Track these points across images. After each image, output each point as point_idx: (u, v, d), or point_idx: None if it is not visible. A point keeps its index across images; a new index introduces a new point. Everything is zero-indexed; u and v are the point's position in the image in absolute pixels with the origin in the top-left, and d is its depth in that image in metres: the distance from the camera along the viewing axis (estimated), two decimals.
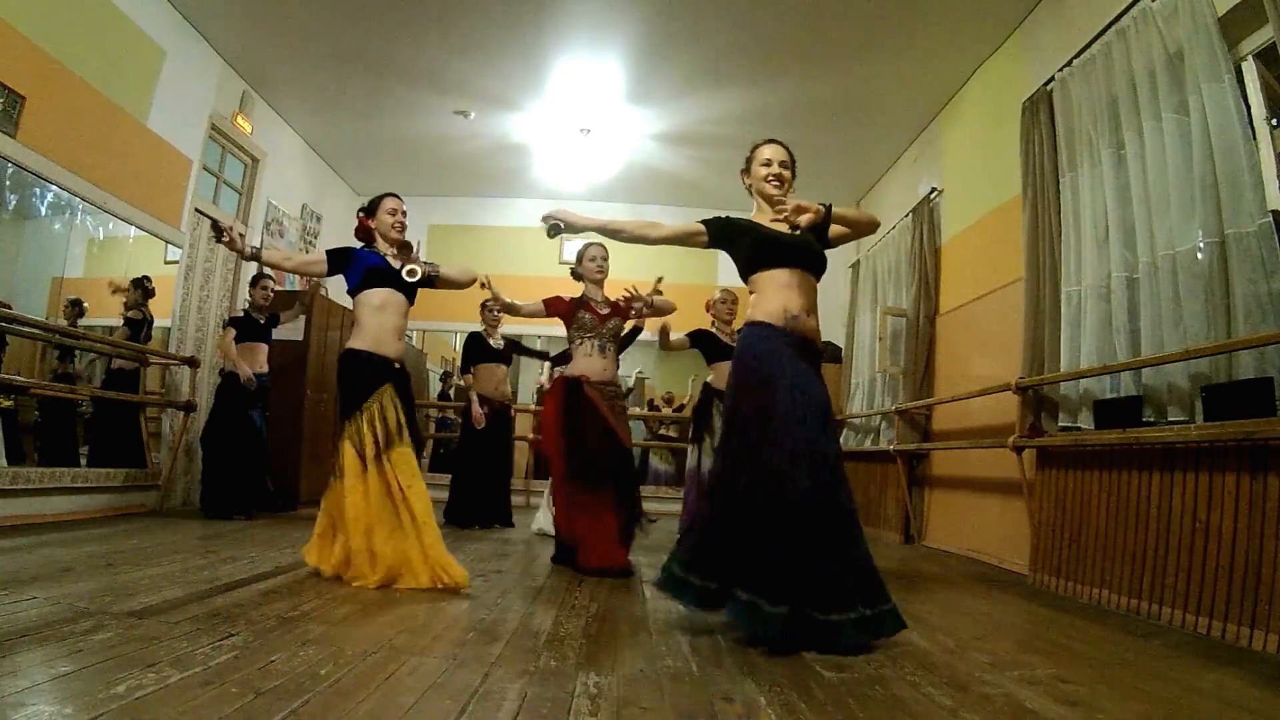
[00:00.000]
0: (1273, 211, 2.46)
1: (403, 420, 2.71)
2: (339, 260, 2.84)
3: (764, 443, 2.03)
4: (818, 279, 2.30)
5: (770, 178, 2.34)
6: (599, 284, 3.49)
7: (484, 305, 4.93)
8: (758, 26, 4.45)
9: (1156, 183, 2.87)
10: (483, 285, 3.41)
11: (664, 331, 3.99)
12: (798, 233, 2.27)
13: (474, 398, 4.77)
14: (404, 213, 2.93)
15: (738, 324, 4.02)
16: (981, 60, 4.62)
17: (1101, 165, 3.21)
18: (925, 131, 5.53)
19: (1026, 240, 3.66)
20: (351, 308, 2.93)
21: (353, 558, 2.56)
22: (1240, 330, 2.45)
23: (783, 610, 1.86)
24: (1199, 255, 2.62)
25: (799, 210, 2.16)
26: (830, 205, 2.24)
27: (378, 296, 2.79)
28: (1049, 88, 3.66)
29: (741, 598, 1.93)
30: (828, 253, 2.39)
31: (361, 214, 2.93)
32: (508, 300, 3.55)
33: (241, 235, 2.79)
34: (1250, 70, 2.76)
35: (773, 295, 2.22)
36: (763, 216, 2.39)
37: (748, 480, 2.03)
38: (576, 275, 3.56)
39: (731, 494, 2.06)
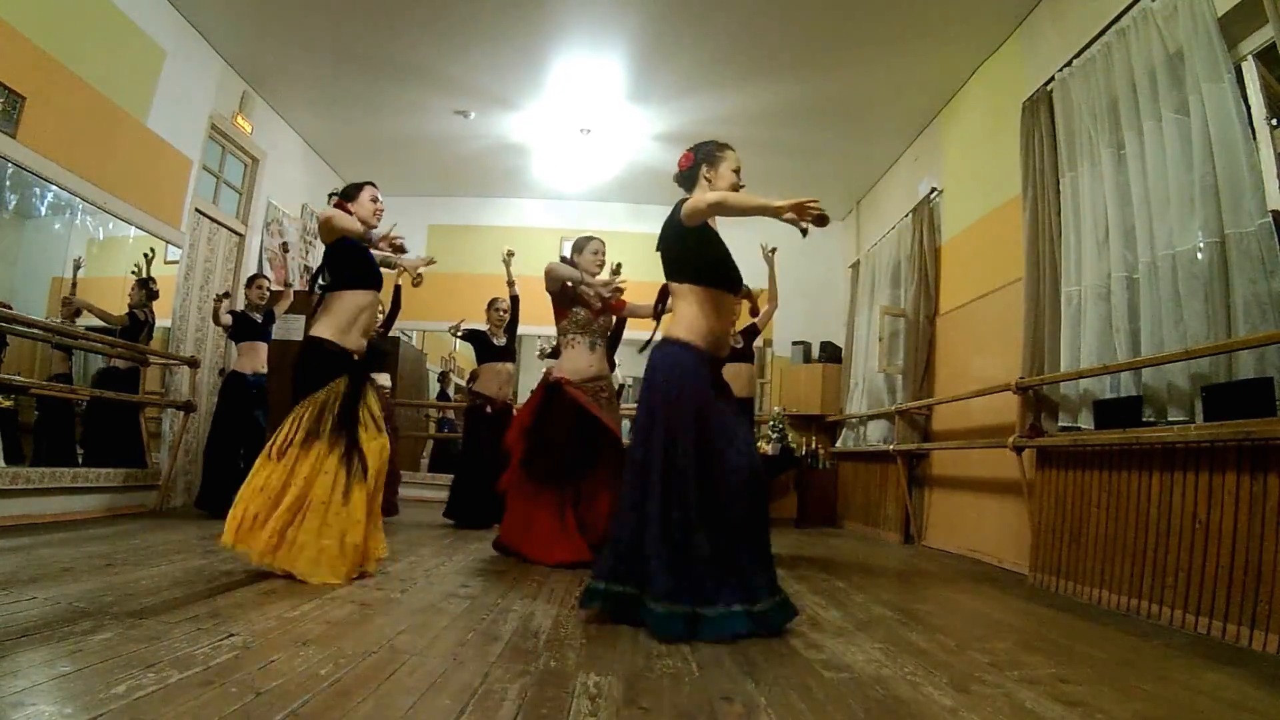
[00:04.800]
0: (1273, 211, 2.46)
1: (337, 414, 2.63)
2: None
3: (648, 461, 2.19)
4: (733, 295, 2.47)
5: (735, 186, 2.49)
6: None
7: (490, 303, 4.91)
8: (758, 26, 4.44)
9: (1156, 183, 2.87)
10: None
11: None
12: None
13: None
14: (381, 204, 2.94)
15: (740, 324, 4.04)
16: (981, 60, 4.62)
17: (1101, 165, 3.21)
18: (925, 131, 5.53)
19: (1026, 240, 3.66)
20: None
21: (240, 509, 2.48)
22: (1240, 330, 2.45)
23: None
24: (1199, 255, 2.62)
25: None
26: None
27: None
28: (1049, 88, 3.66)
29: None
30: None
31: (338, 198, 2.89)
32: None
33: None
34: (1250, 70, 2.76)
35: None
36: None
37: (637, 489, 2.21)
38: None
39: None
